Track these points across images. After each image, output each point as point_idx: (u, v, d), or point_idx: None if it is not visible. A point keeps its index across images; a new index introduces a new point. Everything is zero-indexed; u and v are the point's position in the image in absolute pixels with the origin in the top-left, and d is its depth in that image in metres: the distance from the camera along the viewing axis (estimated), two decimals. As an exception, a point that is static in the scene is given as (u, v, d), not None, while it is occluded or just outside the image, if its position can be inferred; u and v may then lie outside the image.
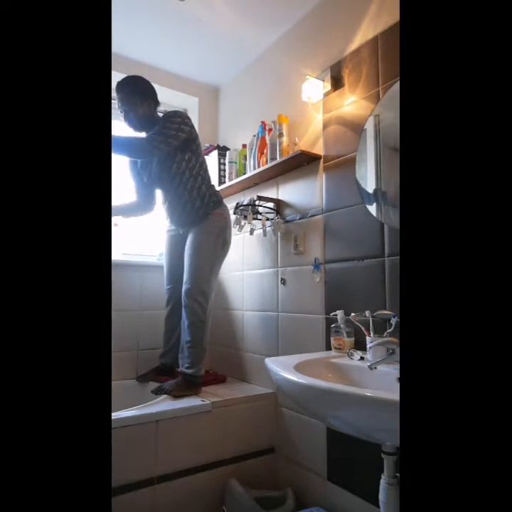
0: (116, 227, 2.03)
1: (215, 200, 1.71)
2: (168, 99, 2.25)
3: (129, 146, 1.54)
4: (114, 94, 1.72)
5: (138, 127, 1.67)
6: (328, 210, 1.48)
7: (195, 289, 1.61)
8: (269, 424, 1.64)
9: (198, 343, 1.62)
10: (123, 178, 1.94)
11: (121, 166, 1.95)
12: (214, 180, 2.05)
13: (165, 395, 1.55)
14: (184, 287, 1.62)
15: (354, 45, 1.43)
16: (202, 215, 1.67)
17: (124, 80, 1.65)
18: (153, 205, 1.83)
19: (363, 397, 0.75)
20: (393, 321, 1.13)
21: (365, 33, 1.39)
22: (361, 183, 1.33)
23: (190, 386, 1.61)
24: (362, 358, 1.14)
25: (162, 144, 1.53)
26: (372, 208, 1.28)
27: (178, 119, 1.59)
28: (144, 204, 1.80)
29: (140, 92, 1.65)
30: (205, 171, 1.73)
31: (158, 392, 1.58)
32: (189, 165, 1.66)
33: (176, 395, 1.56)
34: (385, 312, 1.16)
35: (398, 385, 0.96)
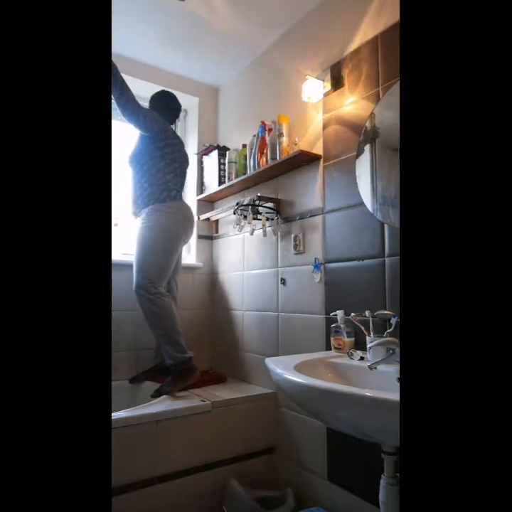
0: (116, 227, 2.03)
1: (169, 195, 1.73)
2: (168, 99, 2.25)
3: (127, 98, 1.63)
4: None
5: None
6: (328, 210, 1.48)
7: (137, 285, 1.63)
8: (269, 424, 1.64)
9: (164, 333, 1.62)
10: (122, 178, 1.94)
11: (120, 166, 1.95)
12: (214, 180, 2.06)
13: (165, 395, 1.55)
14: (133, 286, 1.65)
15: (354, 45, 1.43)
16: (144, 205, 1.72)
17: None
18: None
19: (363, 397, 0.75)
20: (393, 321, 1.13)
21: (365, 33, 1.39)
22: (361, 182, 1.33)
23: (182, 375, 1.62)
24: (362, 358, 1.14)
25: (148, 123, 1.69)
26: (372, 208, 1.28)
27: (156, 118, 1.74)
28: None
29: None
30: (179, 169, 1.81)
31: (156, 394, 1.57)
32: (168, 156, 1.76)
33: (174, 391, 1.57)
34: (385, 312, 1.16)
35: (398, 385, 0.96)
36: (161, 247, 1.67)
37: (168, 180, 1.75)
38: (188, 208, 1.81)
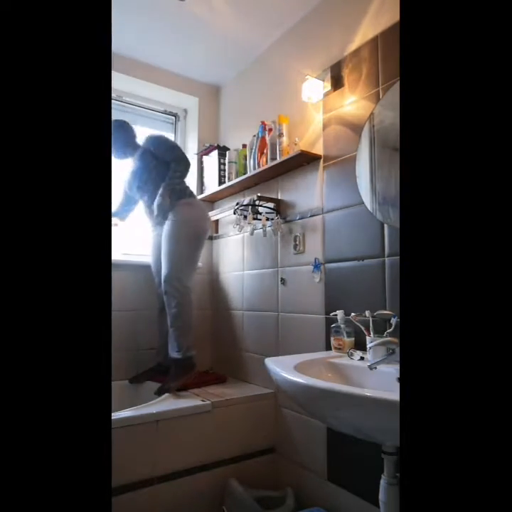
0: (116, 227, 2.03)
1: (190, 191, 1.82)
2: (168, 99, 2.25)
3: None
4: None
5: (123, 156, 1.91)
6: (328, 210, 1.48)
7: (169, 275, 1.66)
8: (269, 424, 1.64)
9: (181, 327, 1.66)
10: (121, 177, 1.94)
11: (120, 166, 1.95)
12: (214, 180, 2.06)
13: (166, 395, 1.56)
14: (162, 275, 1.69)
15: (354, 45, 1.43)
16: (171, 205, 1.76)
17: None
18: (128, 213, 1.99)
19: (363, 397, 0.75)
20: (393, 321, 1.13)
21: (365, 33, 1.39)
22: (361, 182, 1.33)
23: (184, 370, 1.65)
24: (362, 358, 1.14)
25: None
26: (372, 208, 1.28)
27: (178, 150, 1.81)
28: (123, 210, 1.98)
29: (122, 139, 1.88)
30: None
31: (159, 392, 1.58)
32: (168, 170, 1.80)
33: (176, 387, 1.60)
34: (385, 312, 1.16)
35: (398, 385, 0.96)
36: (192, 241, 1.74)
37: (182, 177, 1.81)
38: (204, 204, 1.91)
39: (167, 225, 1.74)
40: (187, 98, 2.25)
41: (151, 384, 1.72)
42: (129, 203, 1.96)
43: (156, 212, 1.72)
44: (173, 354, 1.66)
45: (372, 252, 1.28)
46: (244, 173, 1.84)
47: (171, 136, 2.34)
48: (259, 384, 1.76)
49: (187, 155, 1.83)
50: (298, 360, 1.10)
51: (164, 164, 1.77)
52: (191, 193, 1.84)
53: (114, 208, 1.94)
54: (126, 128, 1.87)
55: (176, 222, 1.72)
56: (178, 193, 1.77)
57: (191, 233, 1.74)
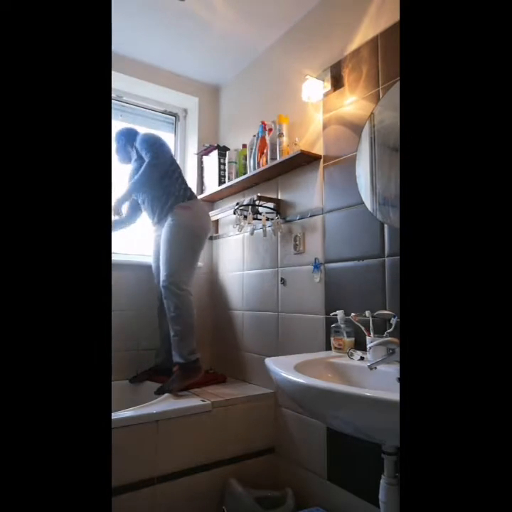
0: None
1: (180, 195, 1.79)
2: (168, 99, 2.25)
3: (140, 183, 1.77)
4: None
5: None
6: (328, 210, 1.48)
7: (167, 280, 1.66)
8: (269, 424, 1.64)
9: (181, 330, 1.65)
10: (121, 180, 1.94)
11: (120, 169, 1.95)
12: (214, 180, 2.06)
13: (166, 395, 1.56)
14: (160, 280, 1.69)
15: (354, 45, 1.43)
16: (168, 209, 1.78)
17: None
18: (139, 215, 2.00)
19: (363, 397, 0.75)
20: (393, 321, 1.13)
21: (365, 33, 1.39)
22: (361, 182, 1.33)
23: (189, 374, 1.64)
24: (362, 358, 1.14)
25: (152, 170, 1.76)
26: (372, 208, 1.28)
27: (155, 146, 1.79)
28: (133, 215, 1.99)
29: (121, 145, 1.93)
30: (174, 173, 1.83)
31: (159, 392, 1.58)
32: (171, 168, 1.83)
33: (177, 389, 1.59)
34: (385, 312, 1.16)
35: (398, 385, 0.96)
36: (190, 244, 1.73)
37: (180, 183, 1.82)
38: (204, 205, 1.90)
39: (164, 230, 1.74)
40: (187, 98, 2.25)
41: (151, 384, 1.72)
42: (134, 211, 1.97)
43: (152, 216, 1.77)
44: (176, 359, 1.65)
45: (372, 252, 1.28)
46: (244, 173, 1.84)
47: (171, 136, 2.34)
48: (259, 384, 1.76)
49: (179, 153, 1.87)
50: (298, 360, 1.10)
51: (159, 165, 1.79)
52: (191, 195, 1.82)
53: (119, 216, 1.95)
54: (125, 133, 1.89)
55: (172, 227, 1.72)
56: (175, 197, 1.77)
57: (188, 237, 1.73)
